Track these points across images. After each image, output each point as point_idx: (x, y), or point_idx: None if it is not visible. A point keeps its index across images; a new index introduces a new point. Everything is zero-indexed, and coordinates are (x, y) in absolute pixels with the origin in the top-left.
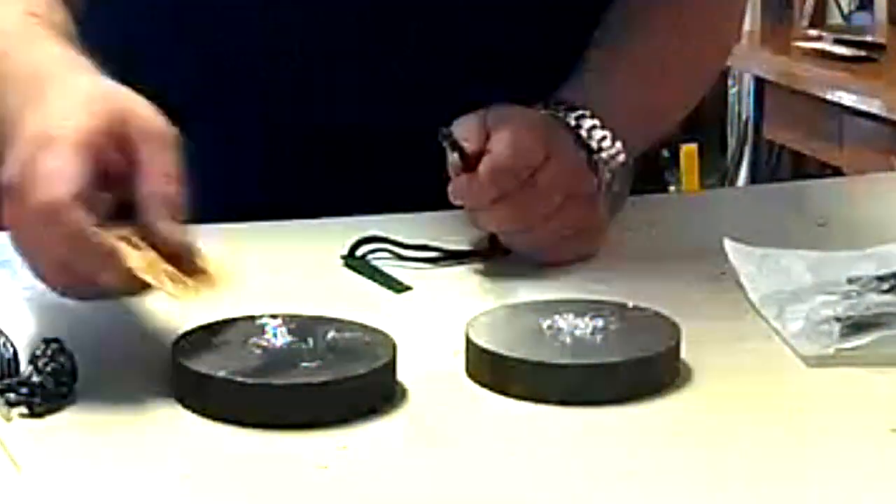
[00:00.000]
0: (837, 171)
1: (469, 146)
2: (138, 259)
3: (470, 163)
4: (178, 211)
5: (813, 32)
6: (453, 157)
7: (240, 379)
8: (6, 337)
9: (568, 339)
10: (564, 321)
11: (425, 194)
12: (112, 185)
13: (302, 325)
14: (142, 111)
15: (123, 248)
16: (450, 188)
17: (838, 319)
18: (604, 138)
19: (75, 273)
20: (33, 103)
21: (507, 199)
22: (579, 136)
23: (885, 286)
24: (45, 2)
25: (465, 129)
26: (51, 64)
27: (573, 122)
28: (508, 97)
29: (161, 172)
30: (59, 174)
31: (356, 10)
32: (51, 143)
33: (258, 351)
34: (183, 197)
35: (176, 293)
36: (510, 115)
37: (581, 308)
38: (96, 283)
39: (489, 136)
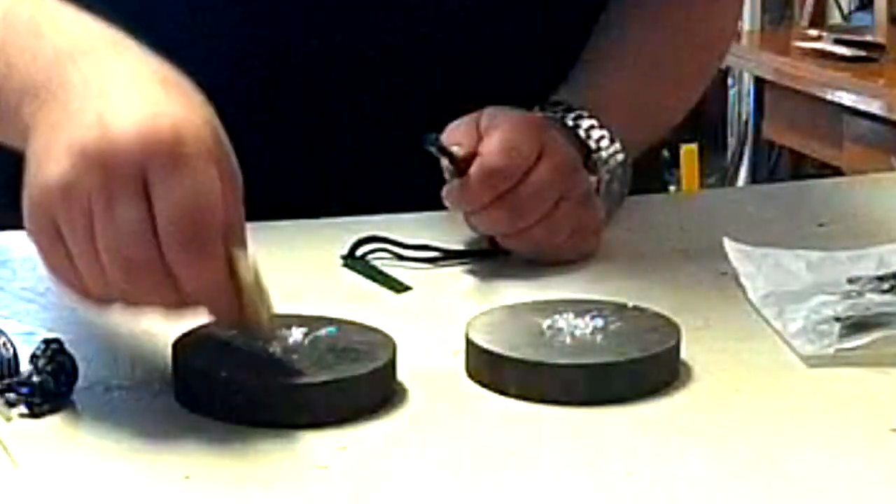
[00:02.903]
0: (837, 171)
1: (461, 150)
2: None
3: (461, 166)
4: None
5: (813, 32)
6: (444, 163)
7: (240, 379)
8: (6, 337)
9: (568, 339)
10: (564, 321)
11: (425, 194)
12: None
13: (302, 325)
14: (226, 143)
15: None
16: (443, 192)
17: (838, 319)
18: (602, 138)
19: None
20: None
21: (501, 200)
22: (577, 135)
23: (885, 286)
24: None
25: (457, 133)
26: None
27: (571, 123)
28: (507, 98)
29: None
30: (211, 200)
31: (356, 11)
32: (189, 156)
33: (258, 351)
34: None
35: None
36: (503, 117)
37: (581, 308)
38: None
39: (482, 139)
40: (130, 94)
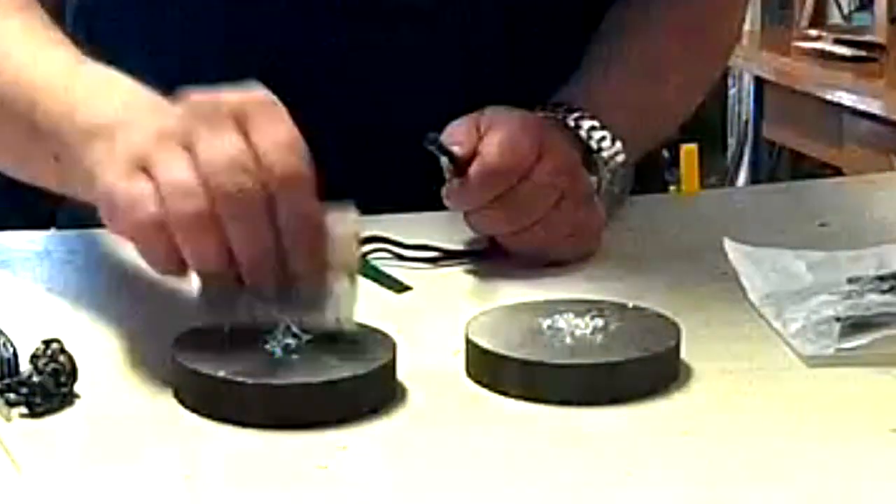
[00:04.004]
0: (837, 171)
1: (460, 149)
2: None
3: (461, 166)
4: None
5: (813, 32)
6: (444, 162)
7: (240, 379)
8: (6, 337)
9: (568, 339)
10: (564, 321)
11: (425, 194)
12: None
13: (303, 325)
14: None
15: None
16: (443, 192)
17: (838, 319)
18: (603, 138)
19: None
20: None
21: (501, 200)
22: (578, 136)
23: (885, 286)
24: (39, 20)
25: (457, 133)
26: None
27: (572, 123)
28: (508, 98)
29: None
30: (301, 151)
31: (356, 10)
32: (272, 112)
33: (258, 351)
34: None
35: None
36: (503, 116)
37: (581, 308)
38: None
39: (482, 139)
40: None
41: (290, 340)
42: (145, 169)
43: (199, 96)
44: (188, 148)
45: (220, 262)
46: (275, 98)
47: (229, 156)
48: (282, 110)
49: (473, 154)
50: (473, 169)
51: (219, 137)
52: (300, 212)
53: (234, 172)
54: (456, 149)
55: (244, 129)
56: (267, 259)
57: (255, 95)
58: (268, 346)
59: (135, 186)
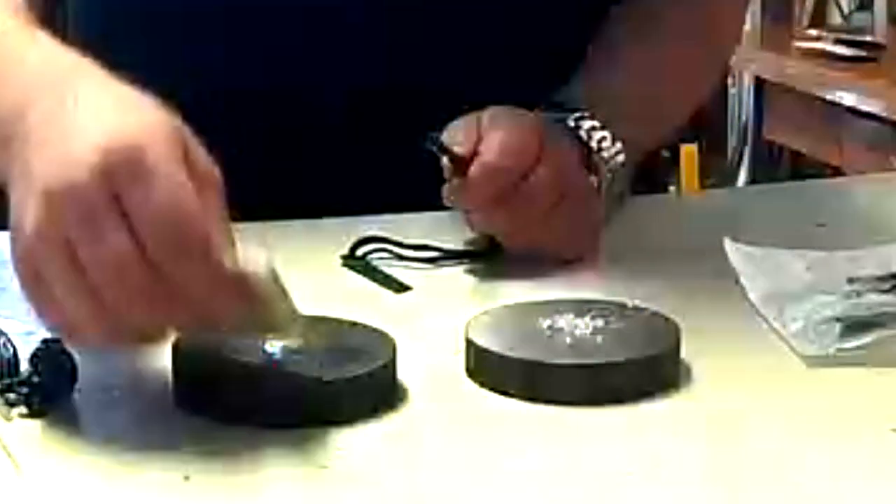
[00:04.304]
0: (837, 171)
1: (461, 149)
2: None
3: (462, 166)
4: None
5: (813, 32)
6: (444, 161)
7: (240, 380)
8: (6, 337)
9: (568, 339)
10: (564, 321)
11: (425, 194)
12: None
13: (302, 325)
14: (196, 146)
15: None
16: (443, 192)
17: (838, 319)
18: (603, 139)
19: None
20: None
21: (501, 200)
22: (578, 136)
23: (885, 286)
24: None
25: (457, 132)
26: (70, 66)
27: (572, 123)
28: (509, 98)
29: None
30: (188, 207)
31: (356, 10)
32: (152, 166)
33: (258, 351)
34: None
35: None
36: (503, 116)
37: (581, 308)
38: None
39: (482, 139)
40: (87, 123)
41: (291, 341)
42: (38, 274)
43: (66, 178)
44: (71, 251)
45: (142, 340)
46: (145, 140)
47: (112, 264)
48: (154, 158)
49: (474, 153)
50: (474, 168)
51: (96, 239)
52: (202, 284)
53: (118, 274)
54: (456, 148)
55: (118, 207)
56: (190, 324)
57: (118, 155)
58: (268, 347)
59: (35, 293)
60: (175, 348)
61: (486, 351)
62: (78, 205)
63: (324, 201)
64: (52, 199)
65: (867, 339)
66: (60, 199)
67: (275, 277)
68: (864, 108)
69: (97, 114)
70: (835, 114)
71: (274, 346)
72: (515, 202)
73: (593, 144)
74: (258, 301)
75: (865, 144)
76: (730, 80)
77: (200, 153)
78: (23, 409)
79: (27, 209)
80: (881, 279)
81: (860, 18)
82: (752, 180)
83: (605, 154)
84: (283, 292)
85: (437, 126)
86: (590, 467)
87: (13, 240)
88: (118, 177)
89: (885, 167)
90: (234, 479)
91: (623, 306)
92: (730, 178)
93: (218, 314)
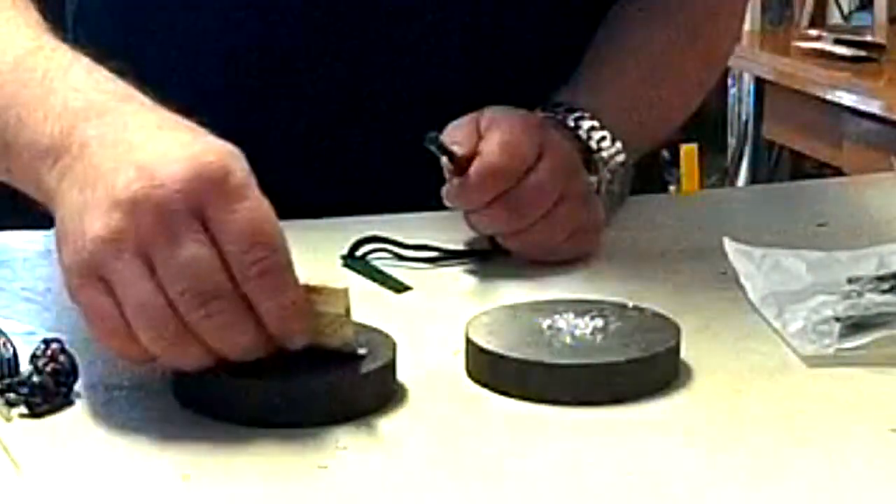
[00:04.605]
0: (837, 171)
1: (461, 149)
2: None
3: (461, 166)
4: None
5: (813, 32)
6: (444, 161)
7: (240, 379)
8: (6, 337)
9: (568, 339)
10: (564, 321)
11: (425, 194)
12: None
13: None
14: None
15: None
16: (443, 192)
17: (838, 319)
18: (603, 139)
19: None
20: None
21: (501, 200)
22: (578, 136)
23: (885, 286)
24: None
25: (457, 133)
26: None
27: (572, 123)
28: (509, 98)
29: None
30: (273, 231)
31: (357, 11)
32: (236, 188)
33: None
34: None
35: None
36: (503, 116)
37: (581, 308)
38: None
39: (482, 139)
40: (162, 141)
41: None
42: (103, 277)
43: (147, 188)
44: (144, 256)
45: (205, 362)
46: (230, 164)
47: (190, 268)
48: (239, 181)
49: (474, 154)
50: (474, 168)
51: (175, 244)
52: (278, 303)
53: (198, 284)
54: (456, 148)
55: (202, 223)
56: (252, 351)
57: (205, 173)
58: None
59: (96, 301)
60: None
61: (486, 351)
62: (161, 214)
63: (324, 201)
64: (133, 206)
65: (867, 339)
66: (143, 207)
67: (344, 307)
68: (864, 108)
69: (169, 133)
70: (835, 114)
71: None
72: (515, 202)
73: (593, 144)
74: (322, 328)
75: (865, 144)
76: (730, 80)
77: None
78: (23, 409)
79: (96, 216)
80: (881, 279)
81: (860, 18)
82: (752, 180)
83: (604, 154)
84: (348, 322)
85: (438, 126)
86: (590, 467)
87: (67, 246)
88: (205, 192)
89: (885, 167)
90: (233, 478)
91: (623, 306)
92: (730, 178)
93: (284, 339)
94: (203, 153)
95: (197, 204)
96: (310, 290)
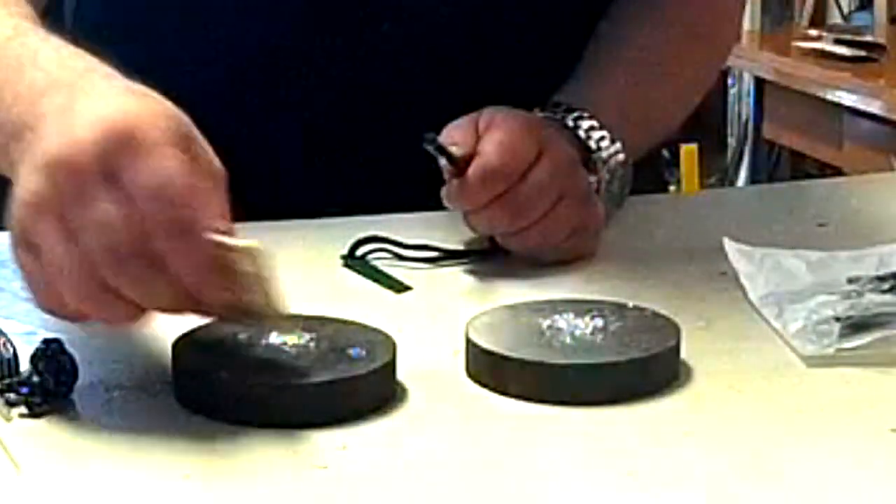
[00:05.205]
0: (837, 171)
1: (459, 150)
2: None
3: (460, 166)
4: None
5: (813, 32)
6: (443, 163)
7: (240, 379)
8: (6, 337)
9: (568, 339)
10: (564, 321)
11: (425, 194)
12: None
13: (302, 325)
14: (200, 137)
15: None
16: (442, 192)
17: (838, 319)
18: (602, 138)
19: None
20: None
21: (500, 200)
22: (577, 136)
23: (885, 286)
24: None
25: (456, 133)
26: (84, 70)
27: (571, 123)
28: (509, 98)
29: (217, 211)
30: (181, 184)
31: (356, 10)
32: (148, 143)
33: (258, 351)
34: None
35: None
36: (502, 117)
37: (581, 308)
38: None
39: (480, 139)
40: (93, 104)
41: (291, 340)
42: (30, 242)
43: (64, 151)
44: (62, 218)
45: (136, 318)
46: (146, 122)
47: (102, 227)
48: (152, 139)
49: (472, 154)
50: (472, 169)
51: (88, 205)
52: (187, 260)
53: (110, 242)
54: (454, 149)
55: (113, 181)
56: (174, 307)
57: (116, 132)
58: (268, 346)
59: (27, 265)
60: (175, 348)
61: (486, 351)
62: (74, 176)
63: (324, 201)
64: (49, 171)
65: (867, 339)
66: (57, 171)
67: (262, 266)
68: (864, 108)
69: (105, 96)
70: (835, 114)
71: (275, 346)
72: (514, 203)
73: (592, 144)
74: (242, 287)
75: (865, 144)
76: (730, 80)
77: (205, 148)
78: (23, 409)
79: (22, 182)
80: (881, 279)
81: (860, 18)
82: (752, 180)
83: (604, 154)
84: (269, 281)
85: (437, 126)
86: (590, 467)
87: (9, 211)
88: (114, 151)
89: (885, 167)
90: (234, 478)
91: (623, 306)
92: (730, 178)
93: (202, 295)
94: (120, 111)
95: (107, 162)
96: (225, 248)
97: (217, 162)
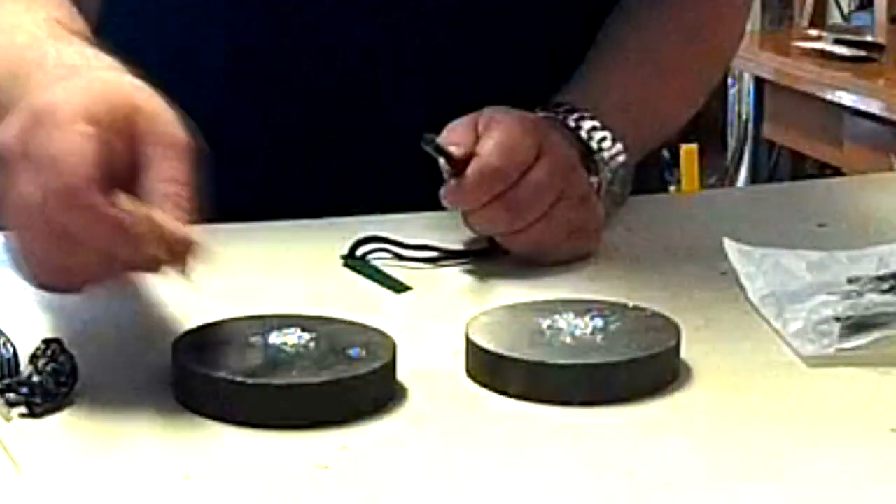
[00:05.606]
0: (837, 171)
1: (458, 150)
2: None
3: (458, 166)
4: (183, 214)
5: (813, 32)
6: (442, 163)
7: (240, 379)
8: (6, 337)
9: (568, 339)
10: (564, 321)
11: (425, 194)
12: (115, 179)
13: (302, 325)
14: (158, 110)
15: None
16: (441, 192)
17: (838, 319)
18: (604, 139)
19: (82, 255)
20: (44, 87)
21: (498, 200)
22: (579, 136)
23: (885, 286)
24: (66, 11)
25: (455, 133)
26: (76, 57)
27: (573, 124)
28: (509, 98)
29: (168, 175)
30: (74, 154)
31: (357, 10)
32: (57, 120)
33: (258, 351)
34: (190, 201)
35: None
36: (501, 117)
37: (581, 308)
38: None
39: (480, 139)
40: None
41: (290, 340)
42: None
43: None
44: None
45: (65, 285)
46: (61, 99)
47: (19, 204)
48: (62, 115)
49: (471, 154)
50: (471, 169)
51: (11, 183)
52: (83, 222)
53: (25, 216)
54: (453, 149)
55: (28, 158)
56: (97, 268)
57: (35, 110)
58: (268, 346)
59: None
60: (175, 348)
61: (486, 351)
62: (5, 156)
63: (324, 201)
64: None
65: (867, 339)
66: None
67: (161, 224)
68: (864, 108)
69: (43, 88)
70: (835, 114)
71: (275, 346)
72: (512, 203)
73: (594, 145)
74: (147, 241)
75: (865, 144)
76: (730, 80)
77: (163, 116)
78: (23, 409)
79: None
80: (881, 279)
81: (860, 18)
82: (752, 180)
83: (605, 154)
84: (165, 230)
85: (438, 126)
86: (590, 467)
87: None
88: (28, 129)
89: (885, 167)
90: (234, 479)
91: (623, 306)
92: (730, 178)
93: (116, 256)
94: (48, 95)
95: (25, 141)
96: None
97: (178, 129)
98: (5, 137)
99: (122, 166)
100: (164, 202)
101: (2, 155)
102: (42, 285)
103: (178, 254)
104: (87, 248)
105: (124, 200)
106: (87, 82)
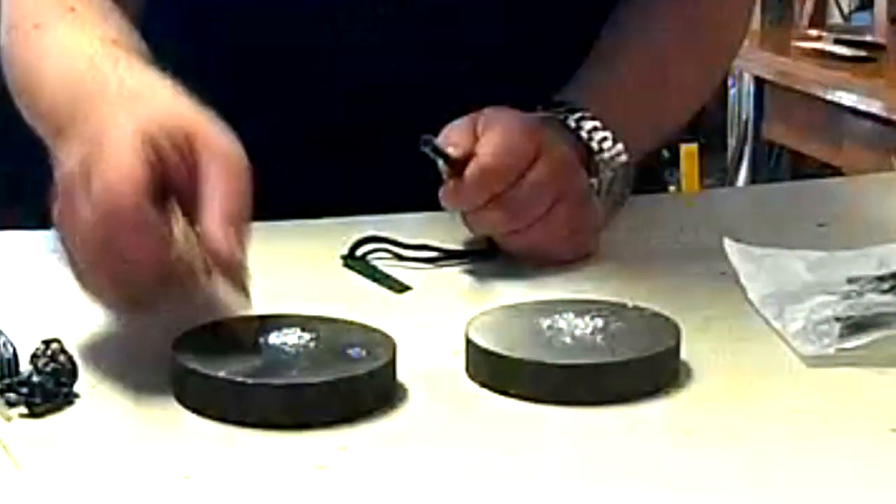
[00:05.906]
0: (837, 171)
1: (457, 150)
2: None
3: (457, 167)
4: (236, 231)
5: (813, 32)
6: (441, 164)
7: (240, 379)
8: (6, 337)
9: (568, 339)
10: (564, 321)
11: (425, 194)
12: (176, 200)
13: (302, 325)
14: (215, 133)
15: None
16: (440, 193)
17: (838, 319)
18: (604, 139)
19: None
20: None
21: (497, 201)
22: (579, 136)
23: (885, 286)
24: (118, 26)
25: (454, 134)
26: (137, 85)
27: (573, 124)
28: (510, 98)
29: (224, 192)
30: (124, 181)
31: (359, 9)
32: (116, 150)
33: (258, 351)
34: (246, 226)
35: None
36: (501, 117)
37: (581, 308)
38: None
39: (479, 140)
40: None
41: (291, 340)
42: None
43: (65, 171)
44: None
45: (123, 306)
46: (115, 129)
47: (80, 234)
48: (113, 146)
49: (470, 155)
50: (469, 170)
51: (72, 209)
52: (133, 241)
53: (84, 246)
54: (451, 150)
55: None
56: (149, 296)
57: (91, 144)
58: (268, 346)
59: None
60: (175, 348)
61: (486, 351)
62: (66, 191)
63: (324, 201)
64: (61, 188)
65: (867, 339)
66: (63, 189)
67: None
68: (864, 108)
69: (103, 120)
70: (835, 114)
71: (275, 346)
72: (511, 203)
73: (594, 145)
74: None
75: (865, 144)
76: (730, 80)
77: (220, 139)
78: (23, 409)
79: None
80: (881, 279)
81: (860, 18)
82: (752, 180)
83: (605, 155)
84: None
85: (438, 126)
86: (590, 467)
87: None
88: (88, 162)
89: (885, 167)
90: (234, 479)
91: (623, 306)
92: (730, 178)
93: (169, 274)
94: (107, 125)
95: (87, 172)
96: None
97: (234, 151)
98: (67, 168)
99: (182, 190)
100: (219, 221)
101: (64, 184)
102: (110, 306)
103: (227, 275)
104: (141, 268)
105: (177, 221)
106: (149, 111)
